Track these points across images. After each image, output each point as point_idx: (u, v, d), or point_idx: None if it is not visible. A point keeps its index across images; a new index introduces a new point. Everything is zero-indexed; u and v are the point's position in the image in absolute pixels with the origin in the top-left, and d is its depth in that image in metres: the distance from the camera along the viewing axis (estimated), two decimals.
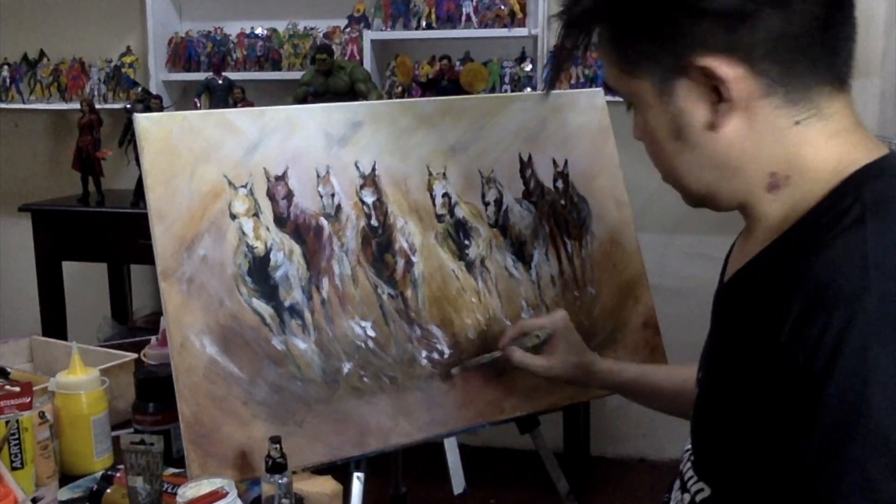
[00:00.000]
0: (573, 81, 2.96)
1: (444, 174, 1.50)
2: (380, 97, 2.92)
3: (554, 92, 1.55)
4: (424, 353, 1.43)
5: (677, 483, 0.94)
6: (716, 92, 0.81)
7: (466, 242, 1.50)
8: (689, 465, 0.91)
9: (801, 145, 0.81)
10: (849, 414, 0.67)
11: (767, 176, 0.83)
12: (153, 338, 1.80)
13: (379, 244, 1.43)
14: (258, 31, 3.27)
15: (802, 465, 0.70)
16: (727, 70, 0.79)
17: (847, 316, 0.68)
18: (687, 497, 0.89)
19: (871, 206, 0.76)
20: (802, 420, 0.70)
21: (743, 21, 0.78)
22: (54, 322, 3.10)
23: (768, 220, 0.85)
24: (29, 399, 1.30)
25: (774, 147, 0.82)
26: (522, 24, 2.99)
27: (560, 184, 1.60)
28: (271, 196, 1.37)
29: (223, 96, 3.07)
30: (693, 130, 0.84)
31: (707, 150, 0.84)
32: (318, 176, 1.40)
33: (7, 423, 1.27)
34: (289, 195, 1.38)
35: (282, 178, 1.37)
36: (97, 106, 3.18)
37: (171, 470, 1.37)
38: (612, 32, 0.87)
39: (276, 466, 1.15)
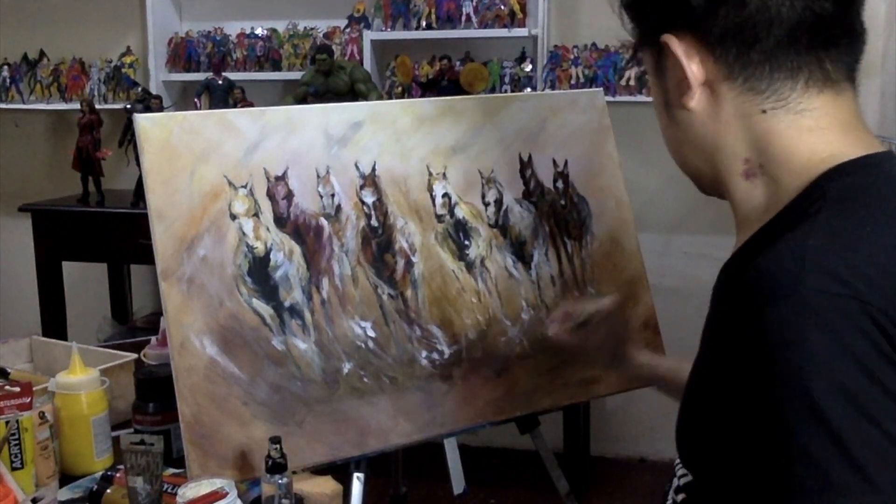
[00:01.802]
0: (573, 81, 2.96)
1: (444, 174, 1.50)
2: (380, 97, 2.92)
3: (554, 92, 1.55)
4: (424, 354, 1.43)
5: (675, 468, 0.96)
6: (682, 72, 0.84)
7: (466, 242, 1.50)
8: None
9: (770, 134, 0.83)
10: (791, 405, 0.68)
11: (742, 162, 0.85)
12: (153, 338, 1.80)
13: (379, 244, 1.43)
14: (258, 31, 3.27)
15: (755, 454, 0.71)
16: (680, 51, 0.83)
17: (783, 307, 0.70)
18: (675, 481, 0.91)
19: (832, 201, 0.76)
20: (749, 411, 0.71)
21: (696, 7, 0.81)
22: (54, 322, 3.10)
23: (748, 211, 0.86)
24: (29, 399, 1.30)
25: (743, 132, 0.84)
26: (522, 24, 2.99)
27: (560, 184, 1.60)
28: (271, 196, 1.37)
29: (223, 96, 3.07)
30: (674, 106, 0.88)
31: (685, 126, 0.88)
32: (318, 176, 1.40)
33: (7, 423, 1.27)
34: (289, 195, 1.38)
35: (282, 178, 1.37)
36: (97, 106, 3.18)
37: (171, 470, 1.37)
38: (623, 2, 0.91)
39: (276, 466, 1.15)
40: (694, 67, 0.83)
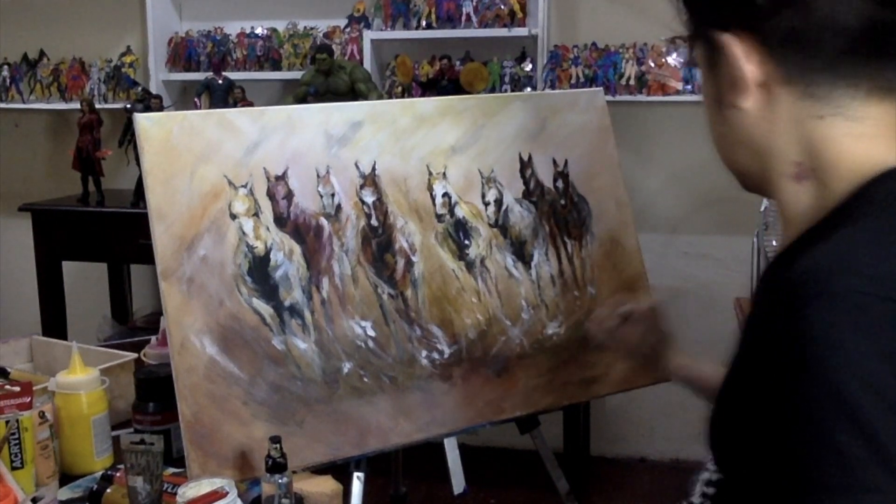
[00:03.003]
0: (573, 81, 2.96)
1: (444, 174, 1.50)
2: (380, 97, 2.92)
3: (554, 92, 1.55)
4: (424, 353, 1.43)
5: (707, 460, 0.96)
6: (739, 72, 0.83)
7: (466, 242, 1.50)
8: None
9: (825, 141, 0.82)
10: (823, 403, 0.68)
11: (793, 165, 0.84)
12: (153, 338, 1.80)
13: (379, 244, 1.43)
14: (258, 31, 3.27)
15: (786, 451, 0.71)
16: (738, 51, 0.81)
17: (820, 308, 0.70)
18: (706, 475, 0.92)
19: (877, 204, 0.77)
20: (781, 408, 0.71)
21: (761, 7, 0.79)
22: (54, 322, 3.09)
23: (796, 213, 0.85)
24: (29, 399, 1.30)
25: (797, 135, 0.83)
26: (522, 24, 2.99)
27: (560, 184, 1.60)
28: (271, 196, 1.37)
29: (223, 96, 3.07)
30: (726, 104, 0.86)
31: (735, 125, 0.86)
32: (318, 176, 1.40)
33: (7, 423, 1.27)
34: (289, 195, 1.38)
35: (282, 177, 1.37)
36: (97, 106, 3.17)
37: (171, 470, 1.37)
38: None
39: (276, 466, 1.15)
40: (751, 68, 0.81)
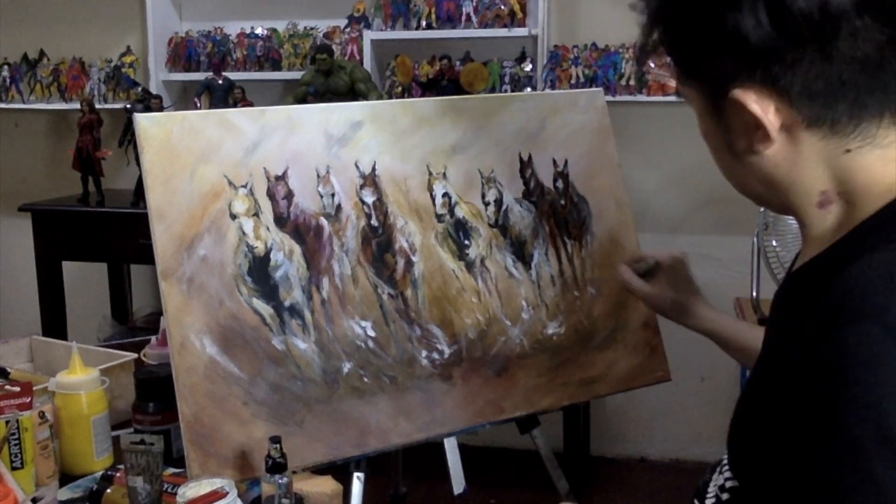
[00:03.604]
0: (573, 81, 2.96)
1: (444, 174, 1.50)
2: (380, 97, 2.92)
3: (554, 92, 1.55)
4: (424, 353, 1.43)
5: (720, 466, 0.95)
6: (754, 120, 0.79)
7: (466, 242, 1.50)
8: None
9: (854, 170, 0.80)
10: (862, 426, 0.67)
11: (818, 194, 0.82)
12: (153, 338, 1.80)
13: (379, 244, 1.43)
14: (258, 31, 3.27)
15: (818, 475, 0.70)
16: (756, 107, 0.78)
17: (868, 328, 0.68)
18: (720, 479, 0.90)
19: None
20: (824, 431, 0.70)
21: (779, 59, 0.76)
22: (54, 322, 3.09)
23: (821, 229, 0.84)
24: (29, 399, 1.30)
25: (823, 169, 0.81)
26: (522, 24, 2.99)
27: (560, 184, 1.60)
28: (271, 196, 1.37)
29: (223, 96, 3.07)
30: (742, 151, 0.83)
31: (754, 167, 0.83)
32: (318, 176, 1.40)
33: (7, 423, 1.27)
34: (289, 195, 1.38)
35: (282, 177, 1.37)
36: (97, 106, 3.17)
37: (171, 470, 1.37)
38: (669, 38, 0.86)
39: (276, 466, 1.15)
40: (771, 117, 0.78)
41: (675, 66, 0.87)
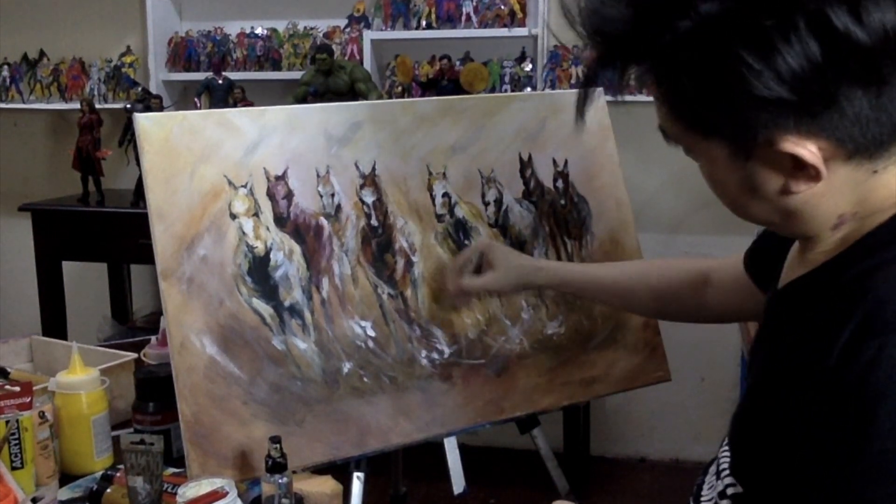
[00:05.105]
0: (573, 81, 2.96)
1: (444, 174, 1.50)
2: (380, 97, 2.92)
3: (554, 92, 1.55)
4: (424, 353, 1.43)
5: (713, 468, 0.94)
6: (794, 160, 0.77)
7: (466, 242, 1.50)
8: (726, 453, 0.91)
9: (875, 189, 0.79)
10: (891, 447, 0.67)
11: (835, 218, 0.81)
12: (153, 338, 1.80)
13: (379, 244, 1.43)
14: (258, 31, 3.27)
15: (843, 485, 0.69)
16: (807, 153, 0.75)
17: (886, 344, 0.68)
18: (720, 485, 0.89)
19: None
20: (850, 442, 0.69)
21: (828, 106, 0.73)
22: (54, 322, 3.09)
23: (826, 245, 0.84)
24: (29, 399, 1.30)
25: (850, 193, 0.80)
26: (522, 24, 2.99)
27: (560, 183, 1.60)
28: (271, 196, 1.37)
29: (223, 96, 3.07)
30: (766, 189, 0.80)
31: (780, 204, 0.81)
32: (318, 176, 1.40)
33: (7, 423, 1.27)
34: (289, 195, 1.38)
35: (282, 177, 1.37)
36: (97, 106, 3.17)
37: (171, 470, 1.37)
38: (666, 87, 0.82)
39: (276, 466, 1.15)
40: (815, 161, 0.75)
41: (673, 119, 0.82)
